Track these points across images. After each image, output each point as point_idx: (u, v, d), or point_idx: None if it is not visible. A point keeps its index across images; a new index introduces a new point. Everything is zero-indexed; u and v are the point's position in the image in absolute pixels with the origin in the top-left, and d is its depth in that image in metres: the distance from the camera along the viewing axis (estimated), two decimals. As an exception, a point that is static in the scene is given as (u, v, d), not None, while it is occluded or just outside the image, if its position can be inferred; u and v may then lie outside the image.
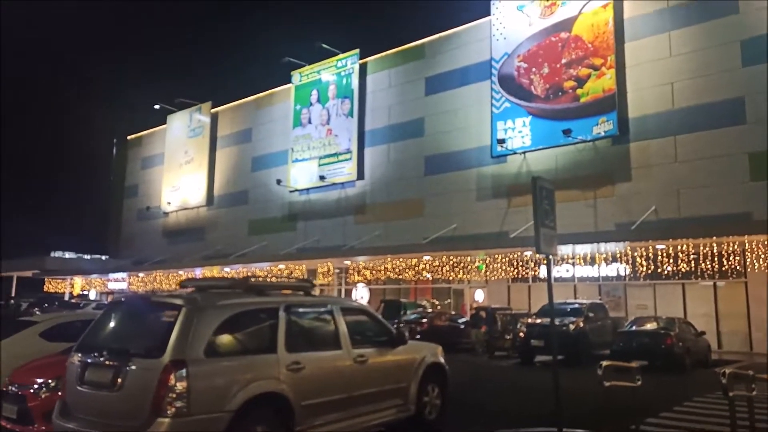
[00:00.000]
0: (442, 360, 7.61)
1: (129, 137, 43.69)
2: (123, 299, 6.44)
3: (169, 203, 37.80)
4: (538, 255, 22.36)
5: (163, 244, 38.10)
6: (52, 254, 59.11)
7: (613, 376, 5.98)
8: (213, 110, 36.96)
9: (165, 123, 39.81)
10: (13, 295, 38.29)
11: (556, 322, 15.35)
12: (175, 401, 4.37)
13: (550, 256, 7.03)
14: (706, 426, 6.84)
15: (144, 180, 41.39)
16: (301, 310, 5.94)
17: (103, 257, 47.09)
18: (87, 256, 52.31)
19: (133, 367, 4.60)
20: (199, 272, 34.30)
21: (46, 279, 40.14)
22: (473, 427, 7.18)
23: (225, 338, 4.93)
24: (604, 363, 6.07)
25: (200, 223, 36.35)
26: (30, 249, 43.98)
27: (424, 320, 18.59)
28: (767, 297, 17.52)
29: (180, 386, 4.39)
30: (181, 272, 33.23)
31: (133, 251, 40.37)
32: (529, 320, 15.59)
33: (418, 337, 18.06)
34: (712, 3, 20.33)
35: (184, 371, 4.43)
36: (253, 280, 5.84)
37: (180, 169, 37.66)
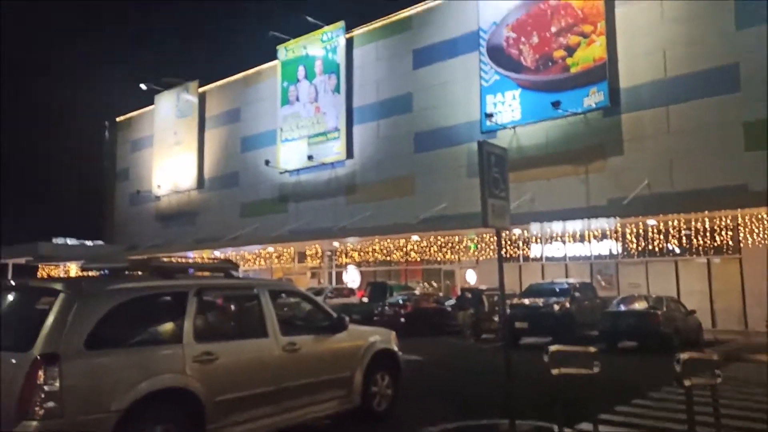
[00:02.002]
0: (394, 347, 7.07)
1: (118, 119, 43.02)
2: None
3: (159, 186, 37.32)
4: (526, 233, 21.99)
5: (156, 228, 37.74)
6: (54, 240, 59.07)
7: (563, 362, 5.44)
8: (201, 89, 36.22)
9: (153, 104, 39.09)
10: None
11: (541, 302, 14.86)
12: (45, 401, 3.86)
13: (502, 231, 6.46)
14: (665, 424, 6.28)
15: (135, 163, 40.87)
16: (217, 294, 5.42)
17: (101, 243, 46.80)
18: (89, 243, 52.14)
19: (1, 362, 4.09)
20: (191, 256, 33.93)
21: (39, 266, 39.82)
22: (426, 417, 6.69)
23: (115, 328, 4.39)
24: (551, 348, 5.52)
25: (192, 207, 35.89)
26: (28, 236, 43.68)
27: (408, 302, 18.09)
28: (767, 273, 16.90)
29: (51, 384, 3.88)
30: (176, 256, 32.82)
31: (127, 236, 40.04)
32: (513, 301, 15.04)
33: (402, 320, 17.65)
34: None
35: (56, 367, 3.92)
36: (171, 260, 5.33)
37: (169, 150, 37.08)
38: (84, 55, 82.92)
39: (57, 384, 3.92)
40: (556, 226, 20.92)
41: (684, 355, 4.58)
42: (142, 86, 38.45)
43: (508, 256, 21.44)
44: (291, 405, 5.58)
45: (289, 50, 31.85)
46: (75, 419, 3.97)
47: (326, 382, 6.03)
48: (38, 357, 3.95)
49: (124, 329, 4.54)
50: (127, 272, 5.22)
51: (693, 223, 17.41)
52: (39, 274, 40.94)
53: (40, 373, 3.89)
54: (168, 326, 4.81)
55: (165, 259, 5.36)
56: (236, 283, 5.78)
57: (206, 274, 5.62)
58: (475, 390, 8.86)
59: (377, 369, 6.68)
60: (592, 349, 5.66)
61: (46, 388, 3.89)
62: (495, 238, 21.97)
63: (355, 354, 6.43)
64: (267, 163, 30.62)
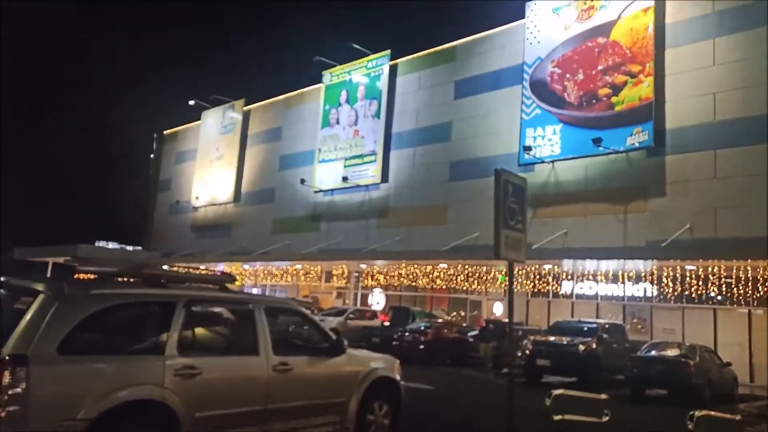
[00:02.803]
0: (396, 375, 6.79)
1: (165, 132, 44.40)
2: None
3: (197, 198, 38.10)
4: (557, 269, 21.37)
5: (191, 238, 38.43)
6: (97, 244, 60.99)
7: (569, 408, 5.05)
8: (245, 108, 37.09)
9: (200, 119, 40.22)
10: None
11: (566, 341, 14.28)
12: (9, 404, 3.76)
13: (514, 263, 6.17)
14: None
15: (177, 174, 41.93)
16: (208, 307, 5.28)
17: (140, 249, 47.94)
18: (129, 248, 53.57)
19: None
20: (221, 267, 34.32)
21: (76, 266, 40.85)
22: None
23: (93, 333, 4.29)
24: (554, 392, 5.14)
25: (227, 219, 36.44)
26: (78, 238, 45.11)
27: (429, 330, 17.68)
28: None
29: (16, 387, 3.77)
30: (202, 266, 33.25)
31: (164, 244, 40.87)
32: (536, 337, 14.50)
33: (421, 347, 17.26)
34: (760, 8, 18.80)
35: (24, 369, 3.82)
36: (164, 268, 5.23)
37: (211, 165, 37.93)
38: (141, 71, 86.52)
39: (23, 387, 3.81)
40: (590, 264, 20.29)
41: (699, 413, 4.16)
42: (191, 102, 39.66)
43: (536, 291, 20.86)
44: (278, 427, 5.36)
45: (334, 75, 32.34)
46: (40, 425, 3.85)
47: (319, 406, 5.80)
48: (6, 358, 3.86)
49: (103, 336, 4.44)
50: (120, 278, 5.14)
51: (735, 271, 16.56)
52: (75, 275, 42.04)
53: (6, 374, 3.79)
54: (151, 336, 4.68)
55: (175, 268, 5.27)
56: (231, 297, 5.63)
57: (208, 285, 5.49)
58: (478, 427, 8.42)
59: (375, 397, 6.42)
60: (603, 396, 5.27)
61: (10, 391, 3.78)
62: (519, 271, 21.53)
63: (353, 380, 6.19)
64: (302, 181, 30.86)
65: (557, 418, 4.96)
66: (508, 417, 5.49)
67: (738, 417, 4.63)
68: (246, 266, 29.82)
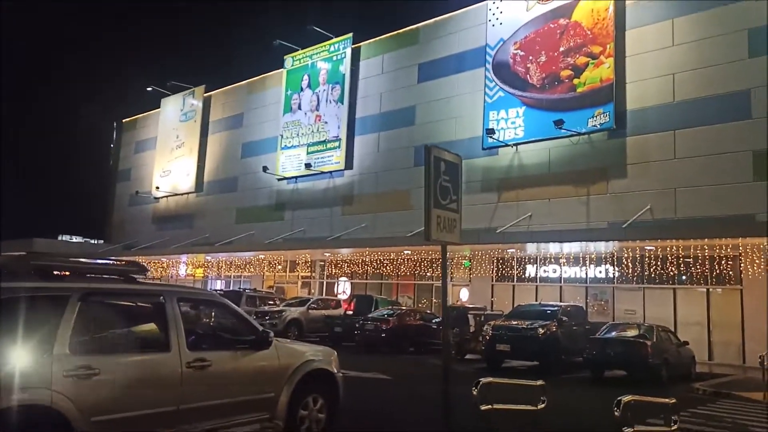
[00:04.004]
0: (333, 368, 6.43)
1: (124, 120, 43.09)
2: None
3: (158, 188, 37.10)
4: (520, 252, 21.28)
5: (152, 230, 37.48)
6: (60, 237, 59.43)
7: (500, 397, 4.76)
8: (206, 94, 36.12)
9: (159, 107, 39.07)
10: None
11: (525, 324, 14.13)
12: None
13: (447, 246, 5.84)
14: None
15: (137, 164, 40.80)
16: (109, 300, 4.83)
17: (102, 242, 46.83)
18: (93, 241, 52.26)
19: None
20: (184, 259, 33.57)
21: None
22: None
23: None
24: (482, 380, 4.85)
25: (189, 210, 35.58)
26: (41, 232, 43.67)
27: (392, 318, 17.39)
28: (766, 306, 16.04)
29: None
30: (164, 259, 32.52)
31: (125, 236, 39.80)
32: (496, 322, 14.31)
33: (383, 336, 16.97)
34: (718, -14, 18.80)
35: None
36: (77, 260, 4.75)
37: (171, 153, 36.93)
38: (95, 59, 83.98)
39: None
40: (554, 247, 20.24)
41: (626, 398, 3.90)
42: (149, 89, 38.46)
43: (501, 275, 20.76)
44: (196, 427, 4.96)
45: (296, 60, 31.62)
46: None
47: (244, 403, 5.41)
48: None
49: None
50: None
51: (693, 250, 16.63)
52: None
53: None
54: (37, 334, 4.21)
55: (83, 260, 4.77)
56: (137, 288, 5.13)
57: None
58: (415, 420, 8.03)
59: (309, 391, 6.05)
60: (539, 382, 4.99)
61: None
62: (482, 255, 21.34)
63: (282, 373, 5.80)
64: (265, 169, 30.19)
65: (485, 408, 4.65)
66: (444, 411, 5.18)
67: (672, 401, 4.38)
68: (209, 257, 29.13)
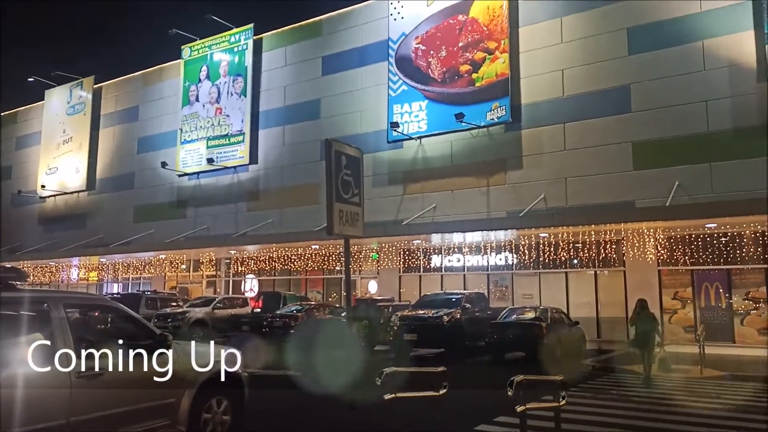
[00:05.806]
0: (237, 368, 6.30)
1: (2, 114, 39.50)
2: None
3: (44, 187, 34.41)
4: (426, 243, 21.84)
5: (39, 232, 34.72)
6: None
7: (402, 385, 4.92)
8: (96, 86, 33.84)
9: (43, 99, 36.19)
10: None
11: (430, 313, 14.56)
12: None
13: (350, 240, 5.91)
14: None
15: (19, 161, 37.58)
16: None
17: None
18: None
19: None
20: (75, 262, 31.50)
21: None
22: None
23: None
24: (385, 370, 5.00)
25: (81, 209, 33.30)
26: None
27: (300, 313, 17.29)
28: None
29: None
30: (52, 262, 30.30)
31: (9, 239, 36.57)
32: (403, 313, 14.64)
33: (292, 332, 16.84)
34: (601, -13, 20.14)
35: None
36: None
37: (58, 149, 34.34)
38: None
39: None
40: (457, 237, 20.92)
41: (518, 378, 4.16)
42: (30, 80, 35.49)
43: (407, 266, 21.20)
44: (87, 440, 4.69)
45: (194, 50, 30.39)
46: None
47: (142, 410, 5.20)
48: None
49: None
50: None
51: (582, 236, 17.82)
52: None
53: None
54: None
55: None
56: (14, 296, 4.78)
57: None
58: (320, 414, 8.05)
59: (213, 393, 5.90)
60: (441, 368, 5.19)
61: None
62: (389, 247, 21.67)
63: (183, 377, 5.61)
64: (164, 165, 28.84)
65: (388, 397, 4.78)
66: (350, 404, 5.24)
67: (560, 378, 4.72)
68: (103, 259, 27.48)
